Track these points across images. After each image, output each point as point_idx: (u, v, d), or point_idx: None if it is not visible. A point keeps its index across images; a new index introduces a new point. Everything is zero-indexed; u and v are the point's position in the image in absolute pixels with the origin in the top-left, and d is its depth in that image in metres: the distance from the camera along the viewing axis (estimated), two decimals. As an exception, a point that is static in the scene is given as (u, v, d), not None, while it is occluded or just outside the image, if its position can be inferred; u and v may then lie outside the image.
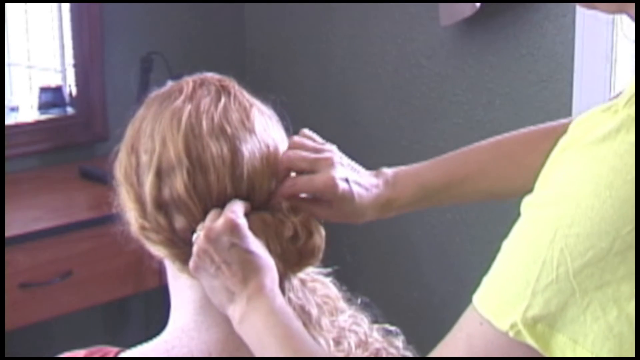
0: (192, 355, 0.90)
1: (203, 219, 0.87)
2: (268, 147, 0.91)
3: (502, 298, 0.69)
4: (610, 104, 0.66)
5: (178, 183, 0.86)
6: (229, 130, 0.88)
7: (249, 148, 0.89)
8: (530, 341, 0.67)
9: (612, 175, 0.63)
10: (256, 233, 0.87)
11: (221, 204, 0.87)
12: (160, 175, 0.87)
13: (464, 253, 2.29)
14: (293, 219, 0.90)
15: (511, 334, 0.67)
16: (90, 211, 2.11)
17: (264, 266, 0.86)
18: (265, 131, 0.92)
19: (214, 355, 0.90)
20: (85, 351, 0.95)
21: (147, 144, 0.89)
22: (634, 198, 0.62)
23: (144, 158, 0.89)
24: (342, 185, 0.94)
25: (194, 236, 0.86)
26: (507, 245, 0.71)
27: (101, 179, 2.19)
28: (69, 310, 2.07)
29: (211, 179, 0.87)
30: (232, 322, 0.86)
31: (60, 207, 2.16)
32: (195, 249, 0.85)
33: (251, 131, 0.90)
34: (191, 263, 0.86)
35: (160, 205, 0.87)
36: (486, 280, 0.71)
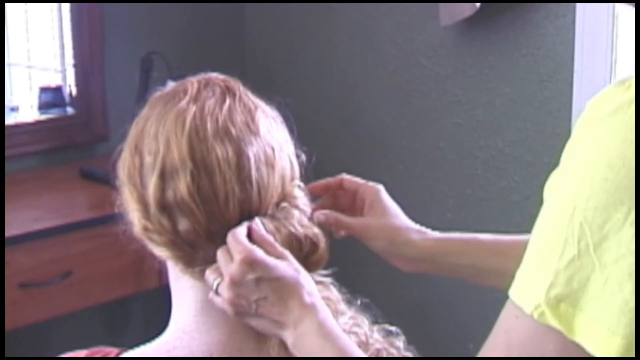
0: (193, 356, 0.90)
1: (207, 222, 0.86)
2: (273, 149, 0.90)
3: (528, 282, 0.69)
4: (624, 78, 0.66)
5: (182, 185, 0.86)
6: (233, 132, 0.88)
7: (254, 150, 0.88)
8: (553, 322, 0.66)
9: (625, 146, 0.63)
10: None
11: (229, 207, 0.86)
12: (164, 177, 0.87)
13: (464, 253, 2.29)
14: (299, 228, 0.90)
15: (535, 315, 0.67)
16: (91, 211, 2.11)
17: (297, 283, 0.86)
18: (270, 133, 0.91)
19: (215, 356, 0.90)
20: (86, 351, 0.95)
21: (151, 145, 0.89)
22: None
23: (148, 159, 0.88)
24: (386, 196, 1.05)
25: (214, 283, 0.86)
26: (533, 233, 0.71)
27: (101, 179, 2.19)
28: (69, 310, 2.07)
29: (217, 182, 0.86)
30: (288, 347, 0.87)
31: (60, 207, 2.16)
32: (227, 298, 0.85)
33: (256, 133, 0.89)
34: (229, 310, 0.86)
35: (164, 207, 0.87)
36: (518, 271, 0.71)
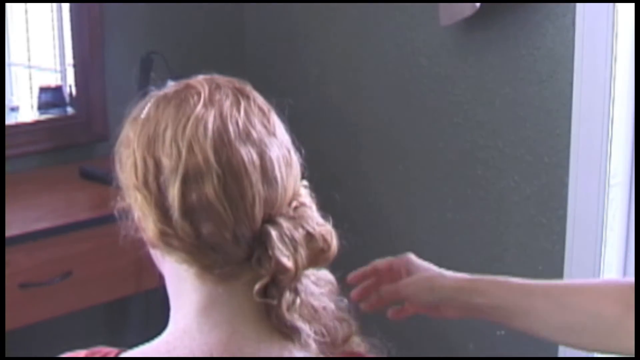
0: (193, 355, 0.90)
1: (233, 224, 0.86)
2: (288, 150, 0.92)
3: None
4: None
5: (208, 189, 0.86)
6: (254, 134, 0.89)
7: (275, 151, 0.90)
8: None
9: None
10: (283, 239, 0.88)
11: (255, 209, 0.87)
12: (187, 182, 0.87)
13: (464, 253, 2.29)
14: (316, 227, 0.91)
15: None
16: (90, 211, 2.11)
17: None
18: (284, 135, 0.93)
19: (215, 356, 0.90)
20: (86, 351, 0.95)
21: (169, 149, 0.88)
22: None
23: (168, 164, 0.88)
24: (417, 259, 1.22)
25: None
26: None
27: (101, 179, 2.19)
28: (69, 310, 2.07)
29: (244, 184, 0.87)
30: None
31: (60, 207, 2.16)
32: None
33: (273, 134, 0.91)
34: None
35: (187, 211, 0.87)
36: None
